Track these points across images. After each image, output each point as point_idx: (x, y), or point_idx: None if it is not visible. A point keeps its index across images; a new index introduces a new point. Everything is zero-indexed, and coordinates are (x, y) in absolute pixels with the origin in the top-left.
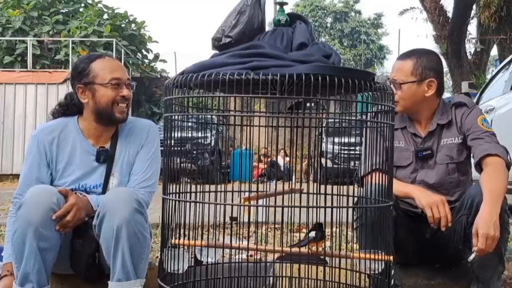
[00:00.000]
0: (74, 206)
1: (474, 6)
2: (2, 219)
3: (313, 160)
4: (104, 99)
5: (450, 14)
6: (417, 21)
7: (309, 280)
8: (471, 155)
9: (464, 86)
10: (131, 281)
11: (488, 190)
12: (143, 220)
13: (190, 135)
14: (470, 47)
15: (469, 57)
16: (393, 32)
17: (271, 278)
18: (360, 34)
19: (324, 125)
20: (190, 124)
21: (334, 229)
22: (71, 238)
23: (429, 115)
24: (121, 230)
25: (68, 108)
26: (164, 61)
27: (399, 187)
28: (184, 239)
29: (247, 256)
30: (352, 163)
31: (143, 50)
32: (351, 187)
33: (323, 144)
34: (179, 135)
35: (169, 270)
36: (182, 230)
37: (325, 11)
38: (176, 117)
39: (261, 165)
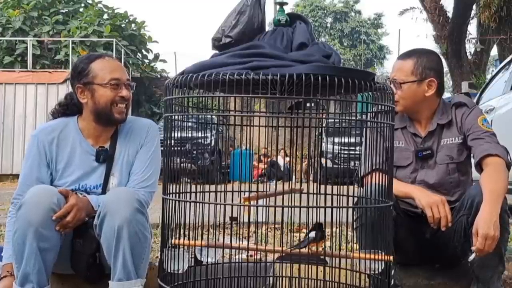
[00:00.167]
0: (74, 206)
1: (474, 6)
2: (2, 219)
3: (313, 160)
4: (103, 99)
5: (450, 14)
6: (417, 21)
7: (309, 280)
8: (471, 155)
9: (464, 86)
10: (132, 280)
11: (488, 190)
12: (144, 220)
13: (190, 135)
14: (470, 47)
15: (469, 57)
16: (393, 32)
17: (271, 278)
18: (360, 34)
19: (324, 125)
20: (190, 124)
21: (334, 229)
22: (71, 238)
23: (429, 115)
24: (122, 230)
25: (68, 108)
26: (164, 61)
27: (399, 187)
28: (184, 239)
29: (247, 256)
30: (352, 163)
31: (143, 50)
32: (351, 187)
33: (323, 144)
34: (179, 135)
35: (169, 270)
36: (182, 230)
37: (325, 11)
38: (176, 117)
39: (261, 165)
